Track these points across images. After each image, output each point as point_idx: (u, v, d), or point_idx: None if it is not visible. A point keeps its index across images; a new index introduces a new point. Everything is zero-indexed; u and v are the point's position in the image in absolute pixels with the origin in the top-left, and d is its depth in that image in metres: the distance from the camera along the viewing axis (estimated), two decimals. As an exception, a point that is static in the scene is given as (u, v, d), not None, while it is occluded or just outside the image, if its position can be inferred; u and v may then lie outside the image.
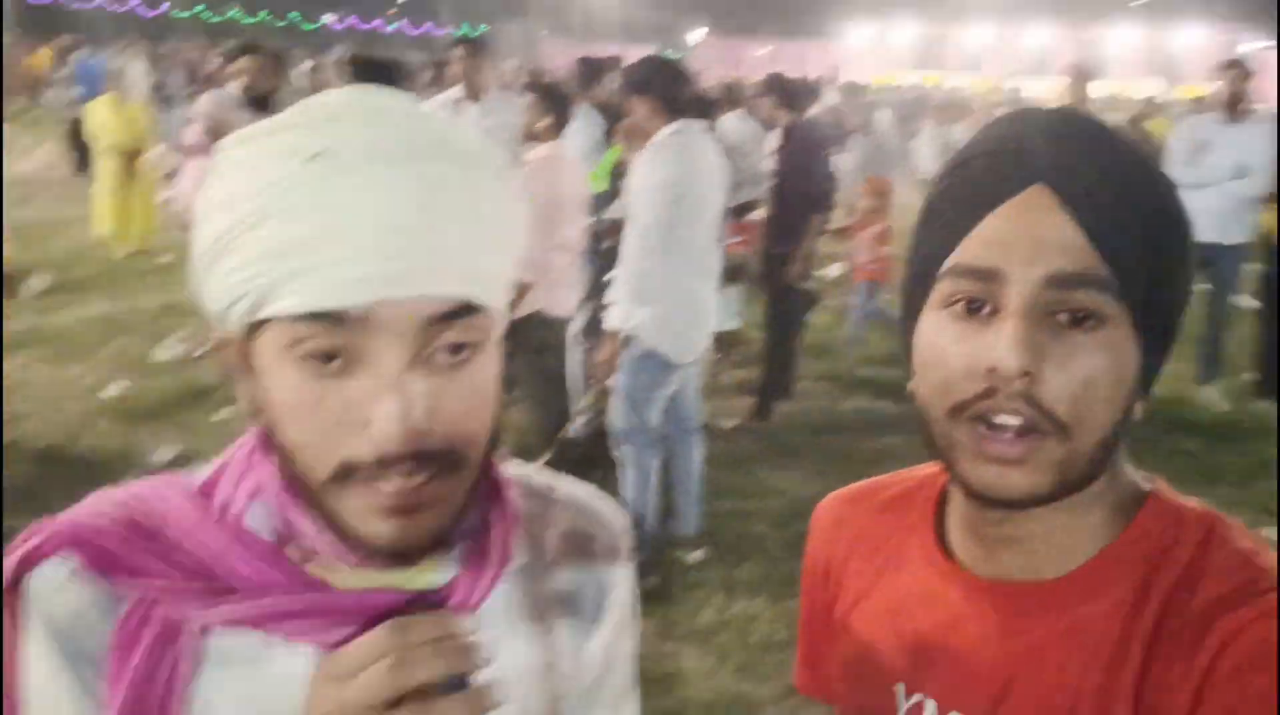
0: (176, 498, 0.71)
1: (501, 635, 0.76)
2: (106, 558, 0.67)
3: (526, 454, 3.94)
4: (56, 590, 0.67)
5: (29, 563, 0.68)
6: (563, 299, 3.95)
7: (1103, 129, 0.72)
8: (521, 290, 2.73)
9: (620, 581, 0.87)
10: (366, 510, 0.64)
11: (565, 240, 3.93)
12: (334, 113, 0.64)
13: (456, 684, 0.63)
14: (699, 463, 3.91)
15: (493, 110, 5.01)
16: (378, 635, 0.63)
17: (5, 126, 9.59)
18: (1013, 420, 0.68)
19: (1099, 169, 0.69)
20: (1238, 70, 5.33)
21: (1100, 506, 0.74)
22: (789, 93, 5.08)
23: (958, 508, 0.81)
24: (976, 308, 0.70)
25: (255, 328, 0.65)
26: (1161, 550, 0.72)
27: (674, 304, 3.49)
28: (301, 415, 0.63)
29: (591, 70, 6.09)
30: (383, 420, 0.61)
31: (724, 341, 6.59)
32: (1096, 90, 6.60)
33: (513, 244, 0.70)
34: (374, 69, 4.09)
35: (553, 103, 4.08)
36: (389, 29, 44.86)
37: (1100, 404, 0.68)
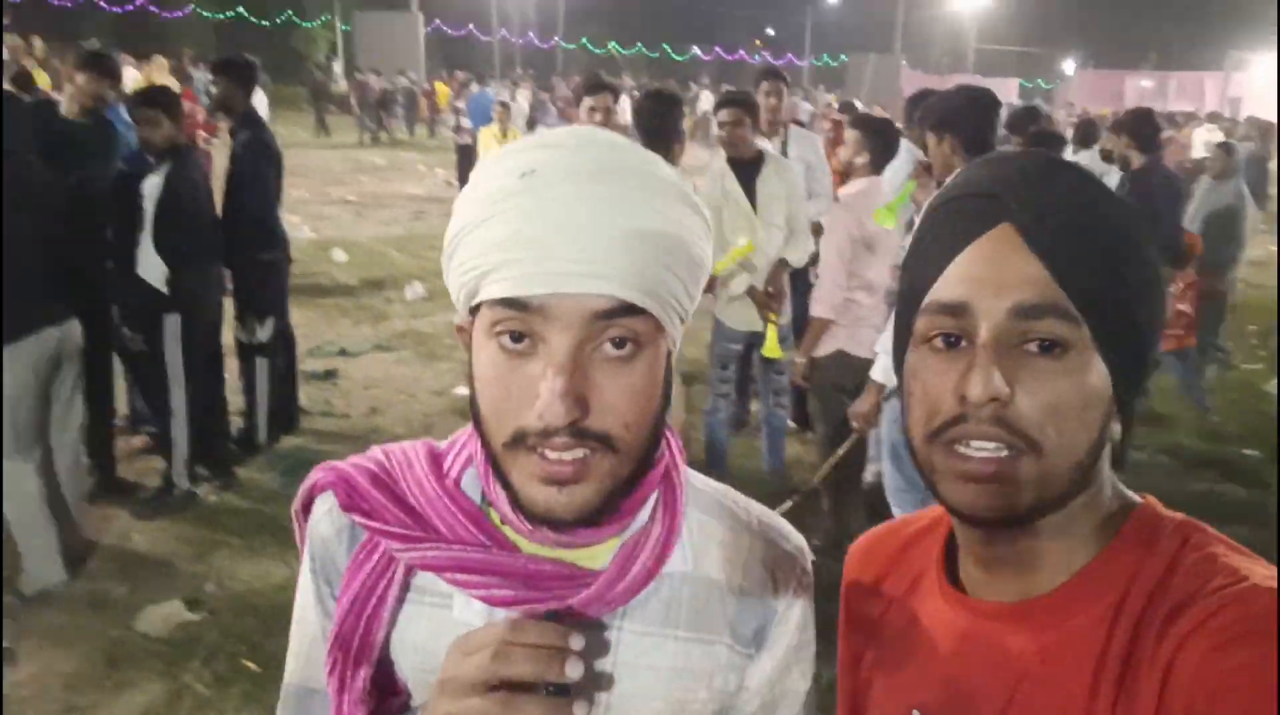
0: (416, 459, 0.86)
1: (654, 633, 0.84)
2: (354, 498, 0.84)
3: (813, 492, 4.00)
4: (320, 520, 0.87)
5: (309, 495, 0.88)
6: (865, 339, 3.88)
7: (1071, 171, 0.77)
8: (819, 327, 2.77)
9: (793, 617, 0.89)
10: (530, 476, 0.75)
11: (871, 280, 3.86)
12: (551, 141, 0.76)
13: (558, 689, 0.70)
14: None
15: (794, 142, 5.02)
16: (497, 627, 0.72)
17: (417, 155, 10.96)
18: (986, 444, 0.72)
19: (1061, 208, 0.73)
20: None
21: (1085, 523, 0.77)
22: (1141, 132, 4.61)
23: (960, 537, 0.85)
24: (953, 342, 0.75)
25: (474, 312, 0.78)
26: (1140, 561, 0.74)
27: None
28: (493, 386, 0.75)
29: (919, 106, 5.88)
30: (546, 394, 0.71)
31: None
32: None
33: (683, 262, 0.77)
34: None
35: (873, 138, 4.01)
36: (753, 59, 46.30)
37: (1071, 424, 0.72)
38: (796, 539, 0.93)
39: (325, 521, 0.87)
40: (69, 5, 33.54)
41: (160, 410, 4.36)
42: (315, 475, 0.88)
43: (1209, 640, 0.65)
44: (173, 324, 4.19)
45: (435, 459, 0.86)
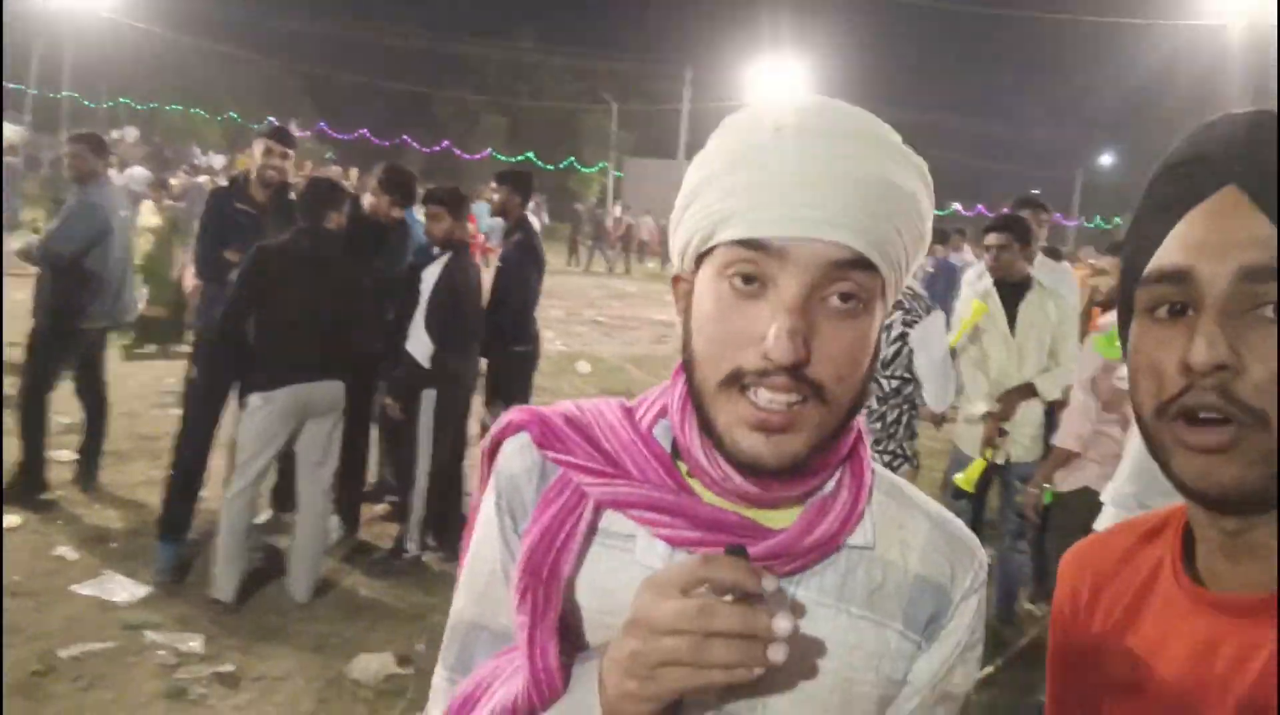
0: (609, 408, 0.88)
1: (828, 604, 0.83)
2: (549, 436, 0.86)
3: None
4: (510, 457, 0.88)
5: (504, 433, 0.90)
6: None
7: None
8: (1060, 457, 2.60)
9: (966, 612, 0.86)
10: (739, 420, 0.76)
11: (1128, 414, 3.54)
12: (798, 104, 0.79)
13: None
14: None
15: (1043, 273, 4.70)
16: (690, 563, 0.69)
17: (664, 287, 11.38)
18: (1211, 414, 0.68)
19: None
20: None
21: None
22: None
23: (1197, 527, 0.80)
24: (1178, 311, 0.71)
25: (703, 258, 0.80)
26: None
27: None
28: (716, 324, 0.77)
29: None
30: (774, 333, 0.73)
31: None
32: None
33: (910, 224, 0.79)
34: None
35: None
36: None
37: None
38: (974, 538, 0.91)
39: (516, 458, 0.88)
40: (386, 144, 38.70)
41: (405, 478, 4.67)
42: (509, 415, 0.90)
43: None
44: (429, 399, 4.52)
45: (628, 410, 0.88)
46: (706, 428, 0.79)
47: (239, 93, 39.94)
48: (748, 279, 0.76)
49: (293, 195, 4.58)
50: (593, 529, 0.84)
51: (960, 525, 0.91)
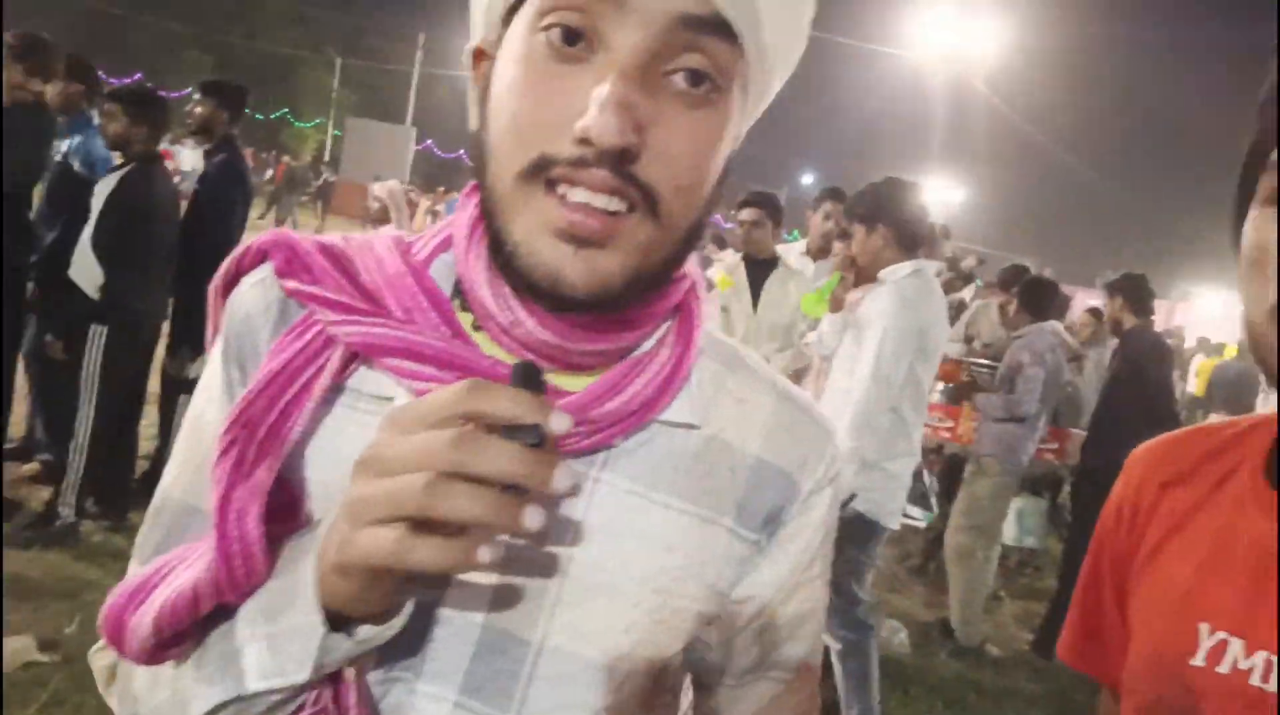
0: (377, 240, 0.70)
1: (640, 493, 0.67)
2: (294, 265, 0.67)
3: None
4: (245, 292, 0.69)
5: (240, 262, 0.71)
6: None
7: None
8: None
9: (818, 507, 0.73)
10: (543, 226, 0.58)
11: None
12: None
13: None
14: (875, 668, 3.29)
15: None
16: (450, 393, 0.51)
17: None
18: None
19: None
20: None
21: None
22: (1138, 295, 4.58)
23: None
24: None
25: (513, 12, 0.62)
26: None
27: (899, 466, 3.12)
28: (522, 98, 0.59)
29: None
30: (598, 102, 0.55)
31: (1012, 558, 5.86)
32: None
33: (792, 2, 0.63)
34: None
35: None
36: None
37: None
38: (829, 420, 0.76)
39: (251, 294, 0.69)
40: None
41: (61, 431, 3.93)
42: (254, 240, 0.70)
43: None
44: (98, 336, 3.81)
45: (401, 242, 0.70)
46: (497, 248, 0.62)
47: None
48: (570, 36, 0.58)
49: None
50: (340, 387, 0.66)
51: (812, 403, 0.76)
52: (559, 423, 0.50)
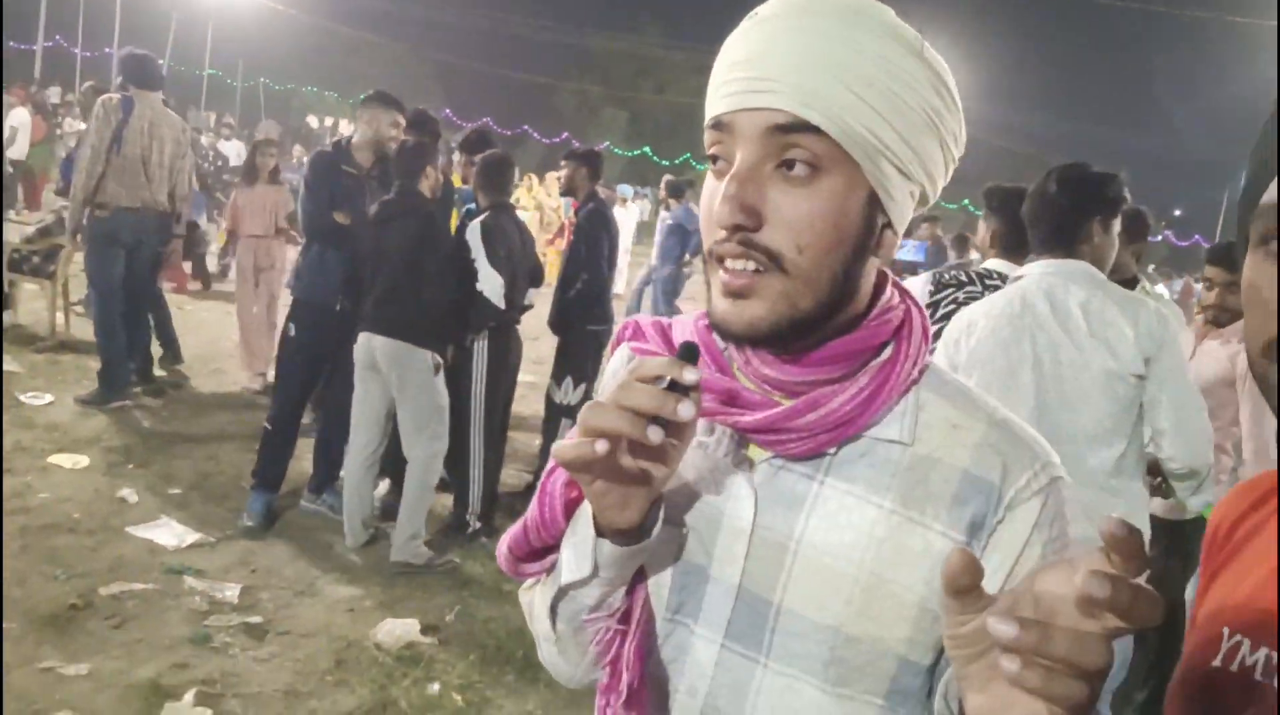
0: (691, 318, 0.93)
1: (858, 494, 0.82)
2: (637, 334, 0.95)
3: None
4: (615, 357, 0.98)
5: (619, 335, 0.98)
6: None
7: None
8: None
9: (1022, 516, 0.80)
10: (716, 289, 0.81)
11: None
12: None
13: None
14: None
15: None
16: (634, 368, 0.74)
17: None
18: None
19: None
20: None
21: None
22: None
23: None
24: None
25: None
26: None
27: None
28: (705, 208, 0.81)
29: None
30: (717, 205, 0.77)
31: None
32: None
33: (884, 98, 0.77)
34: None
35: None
36: (1155, 238, 42.48)
37: None
38: (1042, 442, 0.85)
39: (618, 357, 0.97)
40: (508, 134, 39.23)
41: (461, 456, 4.42)
42: (624, 322, 0.99)
43: None
44: (481, 351, 4.38)
45: (701, 315, 0.91)
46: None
47: (371, 77, 41.37)
48: (715, 159, 0.80)
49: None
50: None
51: (1028, 429, 0.86)
52: (689, 375, 0.71)
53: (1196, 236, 41.04)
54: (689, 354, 0.72)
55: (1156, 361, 2.28)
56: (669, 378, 0.71)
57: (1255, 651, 0.74)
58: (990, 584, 0.74)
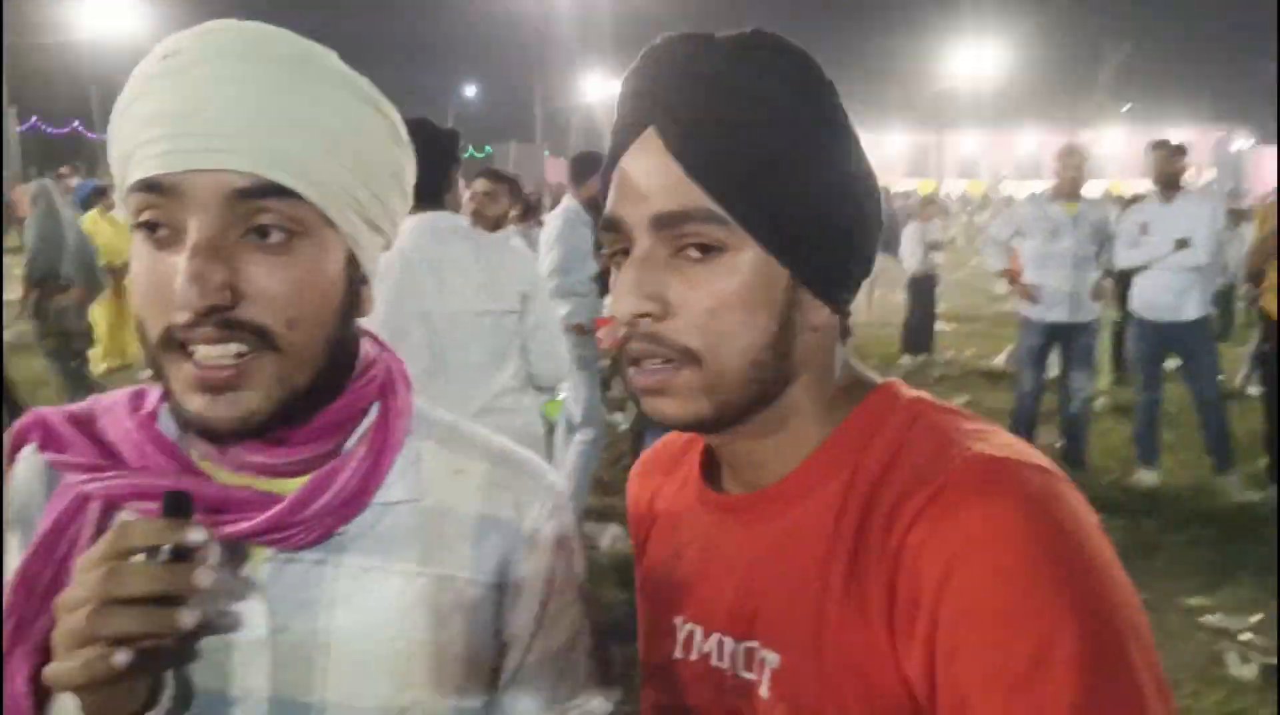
0: (120, 398, 0.81)
1: (376, 567, 0.77)
2: (49, 439, 0.78)
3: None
4: (19, 465, 0.81)
5: (13, 443, 0.81)
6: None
7: (720, 62, 0.69)
8: None
9: (542, 544, 0.82)
10: (185, 383, 0.69)
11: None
12: (202, 28, 0.73)
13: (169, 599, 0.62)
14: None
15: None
16: (110, 535, 0.64)
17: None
18: (653, 361, 0.70)
19: (699, 107, 0.68)
20: (1165, 151, 5.20)
21: (808, 415, 0.74)
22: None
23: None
24: (624, 256, 0.71)
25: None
26: (866, 444, 0.71)
27: None
28: (140, 284, 0.70)
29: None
30: (180, 283, 0.66)
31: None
32: (1091, 189, 6.23)
33: (351, 154, 0.73)
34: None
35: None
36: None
37: (734, 327, 0.68)
38: (545, 466, 0.87)
39: (24, 466, 0.81)
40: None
41: None
42: (18, 421, 0.81)
43: (935, 516, 0.62)
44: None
45: (138, 395, 0.81)
46: (167, 395, 0.72)
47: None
48: (152, 227, 0.69)
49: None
50: (103, 532, 0.69)
51: (528, 456, 0.86)
52: (194, 536, 0.62)
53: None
54: (179, 506, 0.63)
55: (531, 298, 2.69)
56: (168, 546, 0.61)
57: (707, 639, 0.76)
58: (527, 623, 0.81)
